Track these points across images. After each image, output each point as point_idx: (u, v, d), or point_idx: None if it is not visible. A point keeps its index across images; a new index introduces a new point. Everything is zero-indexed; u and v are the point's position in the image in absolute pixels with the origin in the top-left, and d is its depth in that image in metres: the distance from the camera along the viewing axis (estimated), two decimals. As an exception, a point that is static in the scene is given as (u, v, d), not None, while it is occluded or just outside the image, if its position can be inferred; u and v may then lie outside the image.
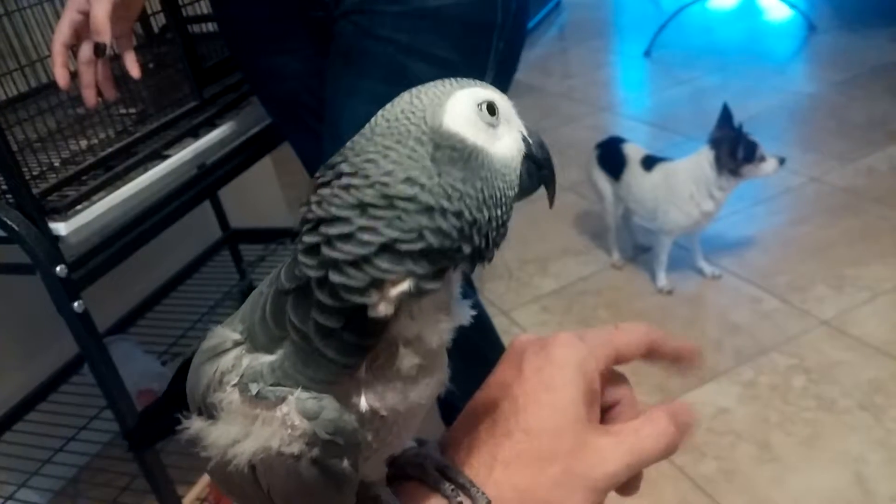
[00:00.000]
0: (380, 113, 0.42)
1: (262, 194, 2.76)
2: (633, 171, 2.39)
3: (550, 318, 2.36)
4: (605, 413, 0.56)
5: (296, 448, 0.40)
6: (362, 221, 0.37)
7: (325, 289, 0.38)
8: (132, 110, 1.48)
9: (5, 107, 1.41)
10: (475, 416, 0.52)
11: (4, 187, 1.17)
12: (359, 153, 0.39)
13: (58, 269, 1.15)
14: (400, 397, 0.42)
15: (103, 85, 1.20)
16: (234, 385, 0.41)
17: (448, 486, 0.48)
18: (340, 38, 1.20)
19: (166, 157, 1.38)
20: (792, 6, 4.50)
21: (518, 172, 0.43)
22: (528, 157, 0.44)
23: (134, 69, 1.23)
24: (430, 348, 0.42)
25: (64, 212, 1.18)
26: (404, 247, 0.37)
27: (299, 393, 0.40)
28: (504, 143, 0.42)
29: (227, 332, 0.44)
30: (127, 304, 2.18)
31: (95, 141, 1.34)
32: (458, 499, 0.48)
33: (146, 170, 1.33)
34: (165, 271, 2.31)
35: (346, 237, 0.37)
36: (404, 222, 0.37)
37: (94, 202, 1.23)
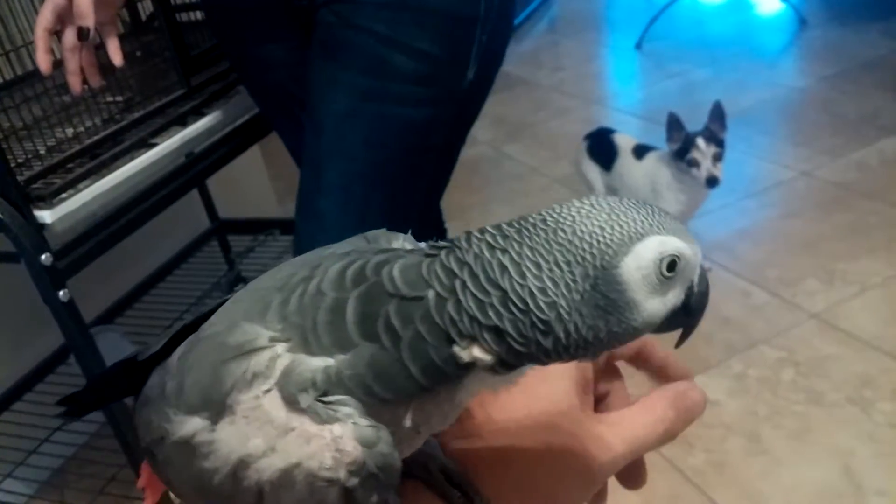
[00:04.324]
0: (579, 210, 0.40)
1: (250, 185, 2.74)
2: (625, 160, 2.39)
3: (541, 310, 2.36)
4: (597, 405, 0.55)
5: (341, 474, 0.38)
6: (496, 304, 0.38)
7: (439, 307, 0.39)
8: (119, 98, 1.46)
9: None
10: (471, 412, 0.52)
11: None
12: (533, 245, 0.39)
13: (43, 257, 1.13)
14: (443, 419, 0.43)
15: (88, 72, 1.18)
16: (268, 391, 0.39)
17: (455, 494, 0.47)
18: (321, 28, 1.18)
19: (153, 145, 1.37)
20: (783, 0, 4.50)
21: (656, 325, 0.42)
22: (683, 307, 0.43)
23: (117, 56, 1.21)
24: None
25: (49, 199, 1.17)
26: (510, 341, 0.39)
27: (357, 417, 0.38)
28: (661, 300, 0.41)
29: (257, 329, 0.40)
30: (114, 295, 2.17)
31: (81, 129, 1.33)
32: None
33: (133, 158, 1.32)
34: (153, 261, 2.29)
35: (479, 301, 0.38)
36: (525, 331, 0.39)
37: (80, 190, 1.21)
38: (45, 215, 1.15)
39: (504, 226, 0.40)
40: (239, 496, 0.40)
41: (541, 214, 0.40)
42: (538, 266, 0.39)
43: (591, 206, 0.40)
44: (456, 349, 0.39)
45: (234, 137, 1.58)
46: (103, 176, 1.26)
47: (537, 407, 0.49)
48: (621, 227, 0.39)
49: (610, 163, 2.43)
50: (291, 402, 0.38)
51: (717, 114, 2.21)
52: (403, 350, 0.39)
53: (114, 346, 1.79)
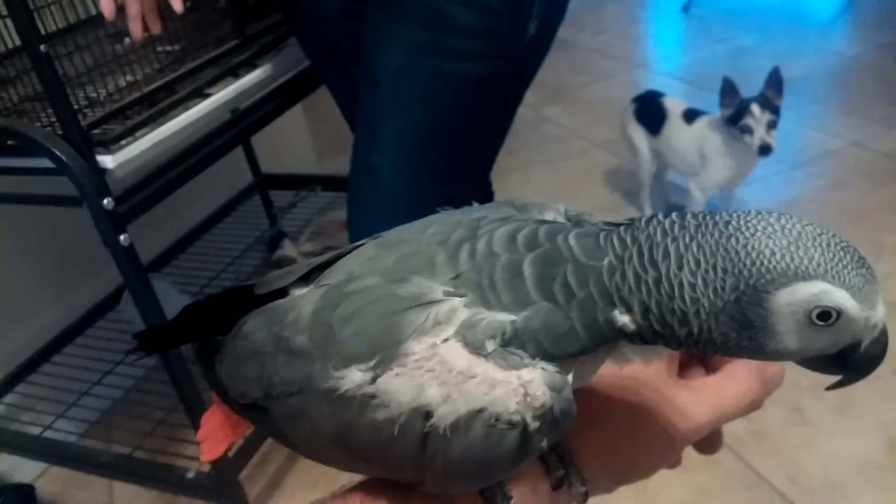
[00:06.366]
0: (765, 227, 0.40)
1: (292, 141, 2.75)
2: (674, 124, 2.35)
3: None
4: (681, 369, 0.56)
5: (527, 417, 0.39)
6: (650, 282, 0.41)
7: (610, 273, 0.42)
8: (173, 48, 1.46)
9: (51, 38, 1.39)
10: None
11: (53, 119, 1.17)
12: (702, 243, 0.40)
13: (105, 201, 1.15)
14: (588, 380, 0.47)
15: (149, 17, 1.19)
16: (445, 340, 0.40)
17: (553, 457, 0.48)
18: None
19: (207, 95, 1.37)
20: (838, -35, 4.36)
21: (790, 358, 0.42)
22: (839, 358, 0.42)
23: (176, 3, 1.21)
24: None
25: (110, 145, 1.18)
26: (651, 319, 0.41)
27: (544, 363, 0.40)
28: (801, 340, 0.40)
29: (430, 283, 0.42)
30: (159, 246, 2.20)
31: (137, 77, 1.33)
32: (559, 473, 0.48)
33: (188, 108, 1.32)
34: (198, 213, 2.32)
35: (637, 275, 0.41)
36: (666, 314, 0.41)
37: (139, 137, 1.22)
38: (107, 160, 1.16)
39: (689, 216, 0.42)
40: (398, 445, 0.40)
41: (728, 216, 0.41)
42: (697, 263, 0.40)
43: (782, 227, 0.40)
44: (615, 312, 0.41)
45: (283, 92, 1.58)
46: (161, 124, 1.26)
47: (624, 371, 0.50)
48: (793, 259, 0.39)
49: (657, 127, 2.39)
50: (475, 349, 0.39)
51: (774, 80, 2.16)
52: (573, 309, 0.41)
53: (163, 294, 1.82)
